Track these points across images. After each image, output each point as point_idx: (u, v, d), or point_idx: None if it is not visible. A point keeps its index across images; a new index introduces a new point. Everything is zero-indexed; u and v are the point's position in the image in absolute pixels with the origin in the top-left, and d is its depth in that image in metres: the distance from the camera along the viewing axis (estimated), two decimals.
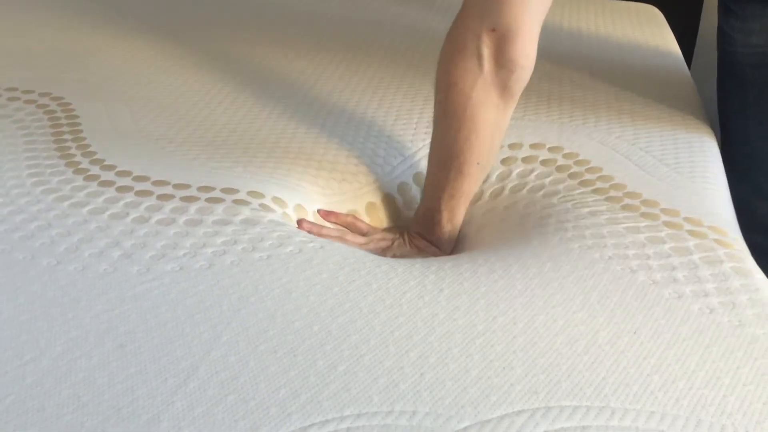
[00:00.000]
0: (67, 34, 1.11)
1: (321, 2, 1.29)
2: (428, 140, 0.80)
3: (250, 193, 0.66)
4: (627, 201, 0.67)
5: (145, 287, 0.52)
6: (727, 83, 0.92)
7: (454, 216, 0.67)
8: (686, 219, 0.64)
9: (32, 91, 0.87)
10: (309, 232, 0.65)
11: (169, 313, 0.49)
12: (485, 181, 0.74)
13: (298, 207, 0.67)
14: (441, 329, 0.49)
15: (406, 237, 0.69)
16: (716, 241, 0.61)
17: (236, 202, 0.64)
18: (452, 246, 0.69)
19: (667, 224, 0.63)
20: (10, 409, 0.41)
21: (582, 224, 0.63)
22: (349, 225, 0.69)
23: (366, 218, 0.73)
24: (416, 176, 0.76)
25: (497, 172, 0.75)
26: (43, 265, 0.54)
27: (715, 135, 0.85)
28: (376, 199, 0.73)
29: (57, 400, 0.42)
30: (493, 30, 0.58)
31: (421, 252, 0.68)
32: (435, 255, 0.67)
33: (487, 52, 0.59)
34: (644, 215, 0.65)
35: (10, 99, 0.85)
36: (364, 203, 0.73)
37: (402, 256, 0.67)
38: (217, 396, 0.42)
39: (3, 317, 0.48)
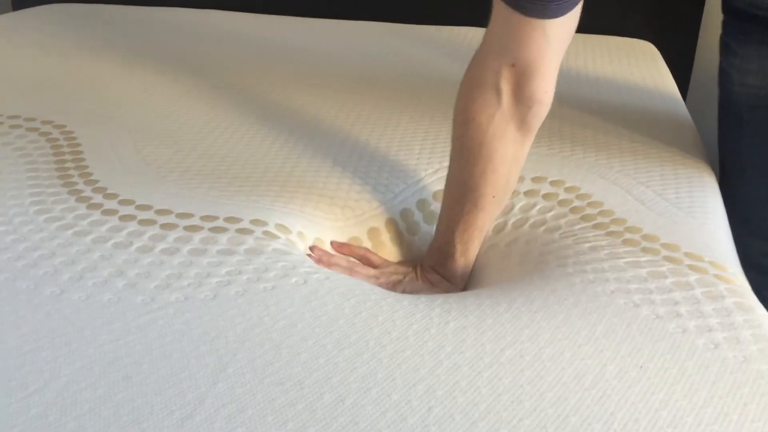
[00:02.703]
0: (71, 63, 1.14)
1: (322, 39, 1.34)
2: (430, 170, 0.83)
3: (253, 222, 0.67)
4: (627, 236, 0.69)
5: (149, 317, 0.53)
6: (725, 122, 0.95)
7: (468, 250, 0.68)
8: (686, 254, 0.66)
9: (34, 119, 0.89)
10: (319, 260, 0.66)
11: (175, 344, 0.50)
12: (504, 212, 0.75)
13: (301, 234, 0.69)
14: (448, 362, 0.50)
15: (418, 271, 0.70)
16: (717, 276, 0.63)
17: (240, 231, 0.66)
18: (465, 281, 0.70)
19: (667, 259, 0.65)
20: None
21: (582, 259, 0.64)
22: (362, 258, 0.71)
23: (368, 243, 0.74)
24: (419, 203, 0.78)
25: None
26: (46, 294, 0.55)
27: (714, 172, 0.87)
28: (378, 224, 0.75)
29: None
30: (513, 65, 0.60)
31: (433, 287, 0.69)
32: (447, 290, 0.68)
33: (506, 87, 0.61)
34: (645, 250, 0.66)
35: (13, 126, 0.87)
36: (366, 228, 0.74)
37: (413, 291, 0.68)
38: (224, 429, 0.43)
39: (7, 347, 0.49)
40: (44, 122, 0.88)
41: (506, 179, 0.67)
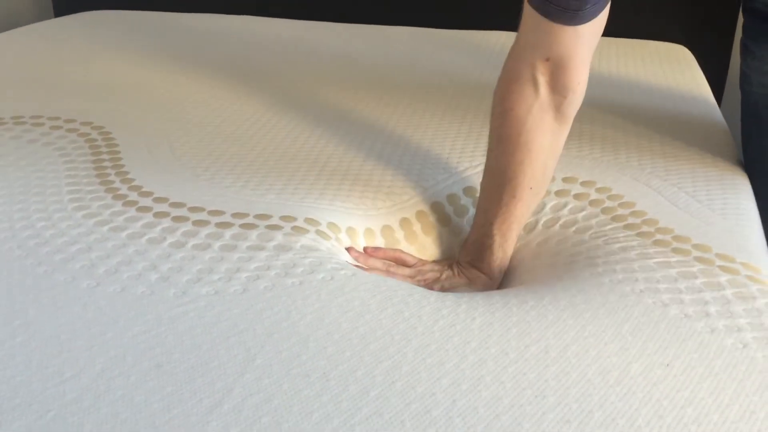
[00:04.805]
0: (110, 67, 1.19)
1: (355, 43, 1.36)
2: (461, 167, 0.84)
3: (283, 218, 0.70)
4: (658, 236, 0.69)
5: (181, 310, 0.55)
6: (747, 125, 0.94)
7: (506, 241, 0.69)
8: (718, 255, 0.66)
9: (74, 120, 0.93)
10: (356, 260, 0.67)
11: (205, 336, 0.52)
12: (535, 212, 0.76)
13: (331, 225, 0.71)
14: (473, 357, 0.51)
15: (455, 268, 0.71)
16: (749, 277, 0.62)
17: (269, 227, 0.68)
18: (502, 275, 0.71)
19: (698, 260, 0.65)
20: (50, 425, 0.44)
21: (612, 259, 0.65)
22: (396, 259, 0.72)
23: (401, 233, 0.75)
24: (449, 197, 0.79)
25: None
26: (83, 286, 0.58)
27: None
28: (409, 215, 0.76)
29: (96, 417, 0.44)
30: (547, 60, 0.63)
31: (471, 283, 0.69)
32: (485, 285, 0.69)
33: (542, 79, 0.64)
34: (675, 251, 0.67)
35: (53, 128, 0.91)
36: (398, 219, 0.76)
37: (451, 287, 0.69)
38: (251, 418, 0.45)
39: (45, 335, 0.52)
40: (83, 123, 0.92)
41: (543, 170, 0.68)
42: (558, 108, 0.65)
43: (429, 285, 0.68)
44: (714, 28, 1.39)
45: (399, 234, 0.75)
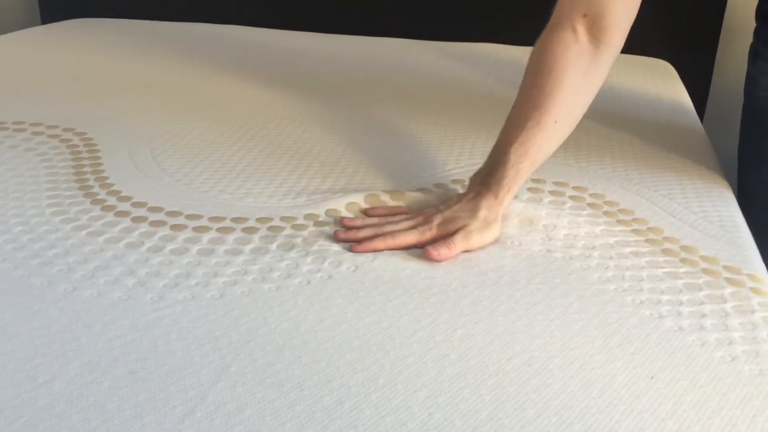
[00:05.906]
0: (93, 74, 1.23)
1: (341, 53, 1.40)
2: (446, 168, 0.86)
3: (259, 220, 0.73)
4: (666, 245, 0.71)
5: (157, 315, 0.57)
6: (748, 129, 0.96)
7: (520, 164, 0.71)
8: (725, 267, 0.68)
9: (56, 126, 0.96)
10: (347, 241, 0.69)
11: (180, 342, 0.54)
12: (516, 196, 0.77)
13: (309, 215, 0.74)
14: (452, 370, 0.52)
15: (454, 198, 0.74)
16: (753, 289, 0.64)
17: (246, 230, 0.71)
18: (509, 199, 0.72)
19: (705, 271, 0.67)
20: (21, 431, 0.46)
21: (623, 264, 0.67)
22: (388, 213, 0.74)
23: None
24: (452, 181, 0.83)
25: (526, 196, 0.79)
26: (59, 290, 0.60)
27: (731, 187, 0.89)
28: (386, 199, 0.79)
29: (68, 424, 0.46)
30: (585, 15, 0.74)
31: (474, 208, 0.70)
32: (489, 207, 0.70)
33: (580, 28, 0.74)
34: (684, 261, 0.69)
35: (35, 133, 0.94)
36: (381, 190, 0.79)
37: (453, 215, 0.70)
38: (223, 427, 0.46)
39: (19, 340, 0.54)
40: (66, 129, 0.95)
41: (571, 109, 0.73)
42: (593, 54, 0.73)
43: (429, 219, 0.70)
44: (697, 45, 1.46)
45: (384, 197, 0.77)
